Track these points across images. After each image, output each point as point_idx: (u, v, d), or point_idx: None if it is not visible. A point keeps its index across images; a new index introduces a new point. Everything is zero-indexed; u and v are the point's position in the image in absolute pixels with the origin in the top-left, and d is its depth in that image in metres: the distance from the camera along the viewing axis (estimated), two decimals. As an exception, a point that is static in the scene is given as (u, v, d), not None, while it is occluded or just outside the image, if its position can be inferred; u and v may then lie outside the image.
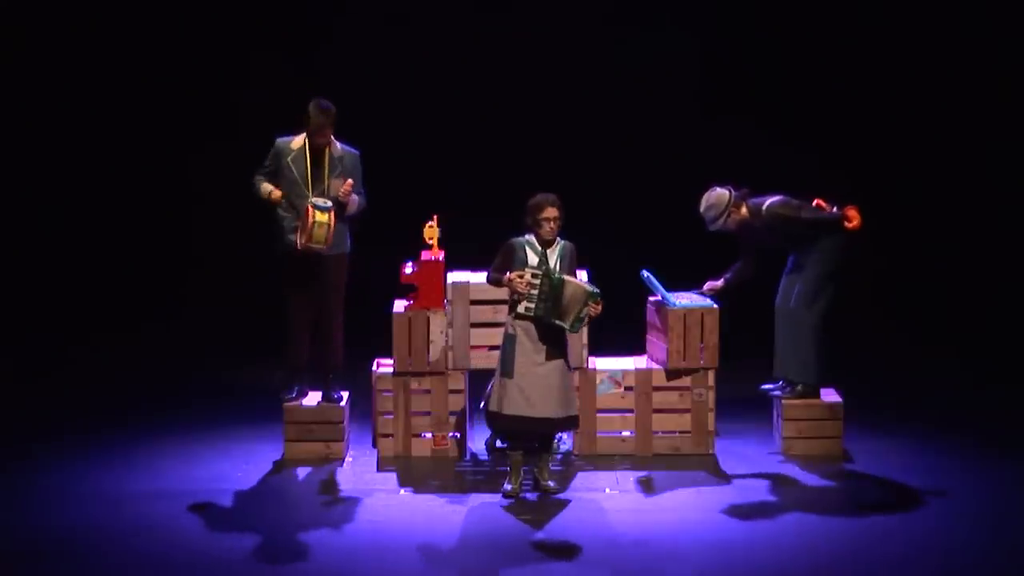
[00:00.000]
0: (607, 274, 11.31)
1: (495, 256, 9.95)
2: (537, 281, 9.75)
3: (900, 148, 14.98)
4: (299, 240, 10.42)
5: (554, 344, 9.86)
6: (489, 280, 10.04)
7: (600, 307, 9.78)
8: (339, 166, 10.59)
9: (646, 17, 14.90)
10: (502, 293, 10.49)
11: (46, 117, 14.93)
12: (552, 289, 9.72)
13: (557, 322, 9.75)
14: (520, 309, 9.82)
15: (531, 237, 9.89)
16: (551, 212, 9.80)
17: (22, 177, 15.00)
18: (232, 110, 14.76)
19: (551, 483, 10.00)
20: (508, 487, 9.95)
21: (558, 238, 9.91)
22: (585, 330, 10.71)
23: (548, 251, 9.87)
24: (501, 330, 10.72)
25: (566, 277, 9.75)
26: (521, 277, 9.77)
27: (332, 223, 10.36)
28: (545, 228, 9.81)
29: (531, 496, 9.93)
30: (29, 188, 15.01)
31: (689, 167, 12.47)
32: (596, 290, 9.75)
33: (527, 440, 9.99)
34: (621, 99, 15.02)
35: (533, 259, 9.86)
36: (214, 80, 14.91)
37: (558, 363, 9.86)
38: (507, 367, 9.84)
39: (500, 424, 9.99)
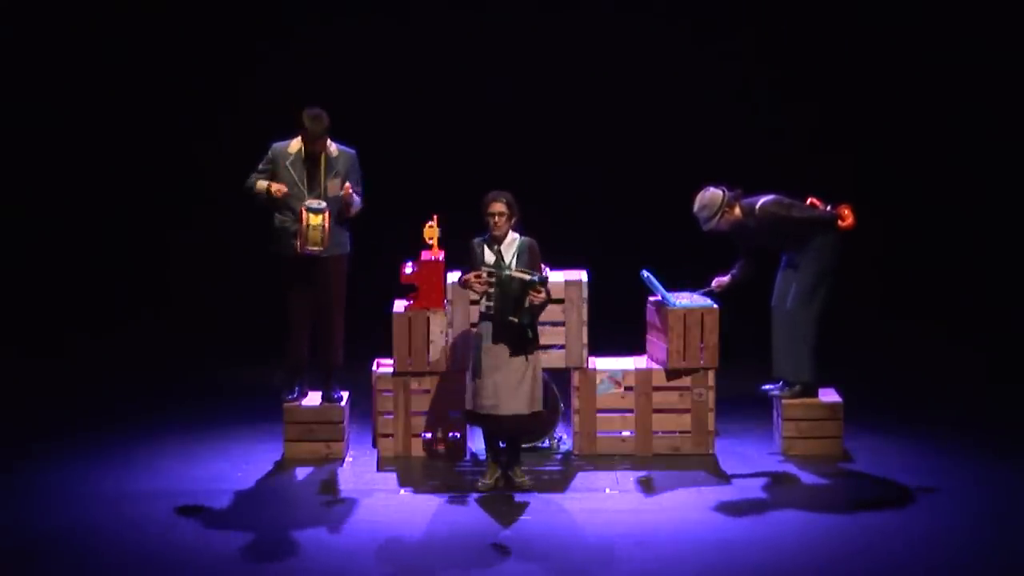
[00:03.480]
0: (607, 274, 11.34)
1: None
2: (493, 279, 9.79)
3: (903, 142, 14.96)
4: (297, 244, 10.44)
5: (515, 341, 9.88)
6: (459, 283, 10.17)
7: (543, 295, 9.84)
8: (335, 167, 10.59)
9: (648, 17, 14.89)
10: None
11: (45, 117, 14.92)
12: (501, 286, 9.77)
13: (512, 319, 9.77)
14: (482, 308, 9.88)
15: (487, 234, 9.97)
16: (495, 207, 9.88)
17: (21, 177, 14.99)
18: (231, 108, 14.75)
19: (526, 479, 10.04)
20: (484, 481, 10.01)
21: (516, 234, 9.96)
22: (585, 330, 10.72)
23: (503, 248, 9.92)
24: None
25: (513, 272, 9.78)
26: (479, 277, 9.82)
27: (327, 224, 10.39)
28: (490, 223, 9.89)
29: (530, 496, 9.93)
30: (28, 188, 14.99)
31: (690, 167, 12.44)
32: (534, 277, 9.78)
33: (499, 437, 10.06)
34: (622, 98, 15.01)
35: (490, 257, 9.91)
36: (212, 79, 14.90)
37: (522, 359, 9.88)
38: (475, 367, 9.88)
39: (473, 423, 10.12)
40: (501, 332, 9.87)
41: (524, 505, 9.78)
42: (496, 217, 9.88)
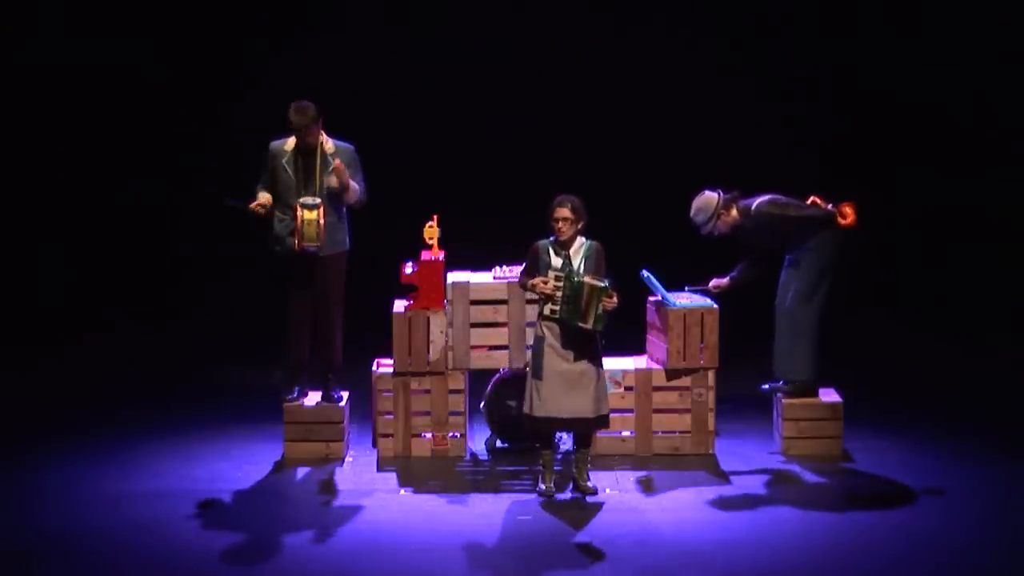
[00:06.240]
0: (607, 274, 11.32)
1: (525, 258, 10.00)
2: (561, 283, 9.76)
3: (902, 143, 14.97)
4: (295, 242, 10.45)
5: (582, 344, 9.84)
6: (519, 284, 10.08)
7: (614, 300, 9.76)
8: (332, 163, 10.58)
9: (649, 17, 14.89)
10: (502, 293, 10.50)
11: (45, 117, 14.93)
12: (572, 292, 9.72)
13: (580, 324, 9.73)
14: (546, 311, 9.83)
15: (555, 238, 9.92)
16: (560, 212, 9.81)
17: (23, 178, 14.99)
18: (230, 110, 14.75)
19: (590, 484, 10.00)
20: (542, 487, 9.95)
21: (583, 238, 9.92)
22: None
23: (571, 252, 9.88)
24: (501, 330, 10.76)
25: (586, 279, 9.75)
26: (545, 282, 9.78)
27: (322, 220, 10.40)
28: (555, 228, 9.83)
29: (529, 496, 9.93)
30: (30, 188, 15.00)
31: (690, 167, 12.46)
32: (605, 283, 9.74)
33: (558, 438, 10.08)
34: (621, 98, 15.02)
35: (557, 261, 9.86)
36: (211, 79, 14.90)
37: (587, 363, 9.84)
38: (537, 369, 9.84)
39: (532, 426, 9.94)
40: (571, 335, 9.82)
41: (523, 506, 9.77)
42: (560, 222, 9.81)
